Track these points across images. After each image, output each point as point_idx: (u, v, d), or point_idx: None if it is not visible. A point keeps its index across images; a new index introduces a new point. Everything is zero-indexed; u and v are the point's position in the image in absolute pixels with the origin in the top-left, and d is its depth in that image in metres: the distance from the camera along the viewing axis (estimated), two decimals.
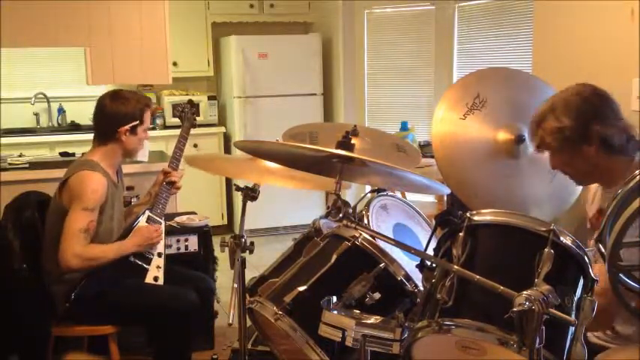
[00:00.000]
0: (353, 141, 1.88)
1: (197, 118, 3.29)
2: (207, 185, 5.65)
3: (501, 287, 1.42)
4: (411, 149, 2.44)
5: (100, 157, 2.74)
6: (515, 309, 1.33)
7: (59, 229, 2.62)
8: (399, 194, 2.69)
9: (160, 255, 2.85)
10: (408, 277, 1.91)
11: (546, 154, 2.11)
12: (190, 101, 3.29)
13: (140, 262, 2.78)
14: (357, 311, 1.75)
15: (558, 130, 1.98)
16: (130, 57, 4.20)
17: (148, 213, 2.89)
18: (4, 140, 4.86)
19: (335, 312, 1.72)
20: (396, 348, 1.66)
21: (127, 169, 3.65)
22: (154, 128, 5.63)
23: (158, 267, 2.82)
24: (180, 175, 3.02)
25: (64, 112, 5.72)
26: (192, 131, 3.20)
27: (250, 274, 2.45)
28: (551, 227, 1.56)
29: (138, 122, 2.74)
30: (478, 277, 1.48)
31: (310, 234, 2.46)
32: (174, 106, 5.53)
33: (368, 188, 2.67)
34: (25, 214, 2.81)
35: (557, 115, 1.98)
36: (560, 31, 3.43)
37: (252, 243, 2.17)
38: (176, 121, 5.41)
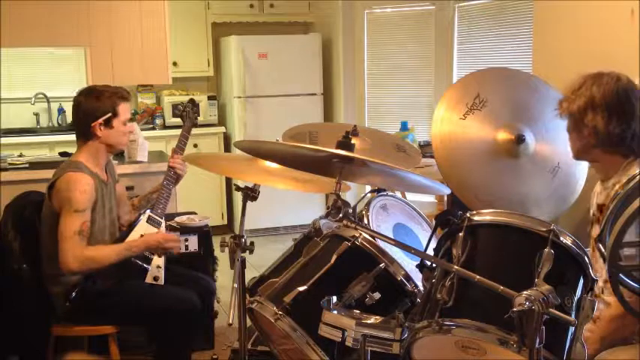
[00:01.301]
0: (353, 141, 1.88)
1: (197, 118, 3.29)
2: (207, 185, 5.65)
3: (501, 287, 1.42)
4: (411, 149, 2.44)
5: (85, 157, 2.73)
6: (515, 309, 1.34)
7: (54, 232, 2.61)
8: (399, 194, 2.69)
9: (160, 255, 2.85)
10: (408, 277, 1.92)
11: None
12: (192, 100, 3.28)
13: (140, 262, 2.77)
14: (357, 311, 1.75)
15: (570, 102, 2.07)
16: (130, 57, 4.20)
17: (148, 213, 2.89)
18: (4, 140, 4.86)
19: (335, 312, 1.72)
20: (396, 348, 1.66)
21: (127, 169, 3.66)
22: (153, 128, 5.64)
23: (158, 267, 2.81)
24: (182, 158, 3.02)
25: (64, 112, 5.71)
26: (193, 131, 3.21)
27: (250, 274, 2.44)
28: (551, 227, 1.57)
29: (110, 115, 2.71)
30: (478, 277, 1.48)
31: (310, 234, 2.45)
32: (175, 106, 5.53)
33: (368, 188, 2.67)
34: (25, 214, 2.81)
35: (580, 92, 2.06)
36: (560, 31, 3.43)
37: (252, 243, 2.17)
38: (176, 121, 5.43)
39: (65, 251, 2.57)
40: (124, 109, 2.76)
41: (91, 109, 2.72)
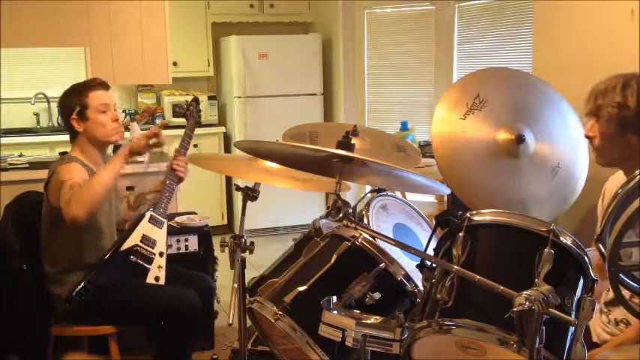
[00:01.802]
0: (353, 141, 1.88)
1: (200, 117, 3.25)
2: (207, 185, 5.65)
3: (501, 287, 1.42)
4: (411, 149, 2.44)
5: (77, 152, 2.75)
6: (515, 309, 1.34)
7: (53, 231, 2.61)
8: (399, 194, 2.69)
9: (161, 255, 2.84)
10: (408, 277, 1.91)
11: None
12: (195, 99, 3.23)
13: (141, 262, 2.77)
14: (357, 311, 1.75)
15: (619, 105, 1.96)
16: (130, 57, 4.20)
17: (150, 212, 2.88)
18: (4, 140, 4.85)
19: (335, 312, 1.72)
20: (396, 348, 1.66)
21: (127, 169, 3.63)
22: None
23: (159, 267, 2.81)
24: (185, 161, 2.97)
25: None
26: None
27: (250, 274, 2.45)
28: (551, 227, 1.57)
29: (80, 107, 2.69)
30: (478, 277, 1.48)
31: (310, 234, 2.46)
32: (176, 105, 5.52)
33: (368, 188, 2.67)
34: (25, 214, 2.81)
35: (627, 93, 1.96)
36: (560, 31, 3.43)
37: (252, 243, 2.17)
38: (176, 120, 5.43)
39: (63, 205, 2.50)
40: (95, 97, 2.72)
41: (64, 107, 2.75)
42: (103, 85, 2.79)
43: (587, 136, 2.09)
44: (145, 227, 2.84)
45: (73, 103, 2.71)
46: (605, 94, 2.00)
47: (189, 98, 3.23)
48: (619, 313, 2.04)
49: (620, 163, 2.06)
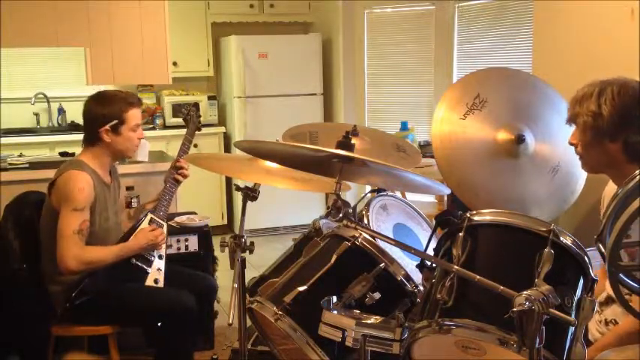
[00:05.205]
0: (353, 141, 1.88)
1: (200, 122, 3.28)
2: (207, 185, 5.65)
3: (501, 287, 1.42)
4: (411, 149, 2.44)
5: (89, 158, 2.74)
6: (515, 309, 1.34)
7: (53, 231, 2.61)
8: (399, 194, 2.69)
9: (160, 257, 2.85)
10: (408, 277, 1.91)
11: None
12: (196, 104, 3.28)
13: (141, 264, 2.77)
14: (357, 311, 1.75)
15: (593, 114, 1.94)
16: (130, 57, 4.20)
17: (150, 215, 2.89)
18: (4, 140, 4.86)
19: (335, 312, 1.72)
20: (396, 348, 1.66)
21: (127, 169, 3.66)
22: (153, 128, 5.64)
23: (159, 269, 2.81)
24: (187, 165, 3.02)
25: (64, 112, 5.72)
26: None
27: (250, 274, 2.45)
28: (551, 227, 1.57)
29: (117, 121, 2.70)
30: (478, 277, 1.48)
31: (310, 234, 2.45)
32: (178, 107, 5.51)
33: (368, 188, 2.67)
34: (25, 214, 2.81)
35: (601, 101, 1.93)
36: (560, 31, 3.43)
37: (252, 243, 2.17)
38: (176, 121, 5.43)
39: (64, 250, 2.56)
40: (132, 116, 2.75)
41: (98, 115, 2.72)
42: (140, 103, 2.82)
43: (570, 143, 2.06)
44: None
45: (112, 115, 2.71)
46: (582, 101, 1.97)
47: (190, 99, 3.25)
48: (609, 312, 2.03)
49: (604, 170, 2.03)
